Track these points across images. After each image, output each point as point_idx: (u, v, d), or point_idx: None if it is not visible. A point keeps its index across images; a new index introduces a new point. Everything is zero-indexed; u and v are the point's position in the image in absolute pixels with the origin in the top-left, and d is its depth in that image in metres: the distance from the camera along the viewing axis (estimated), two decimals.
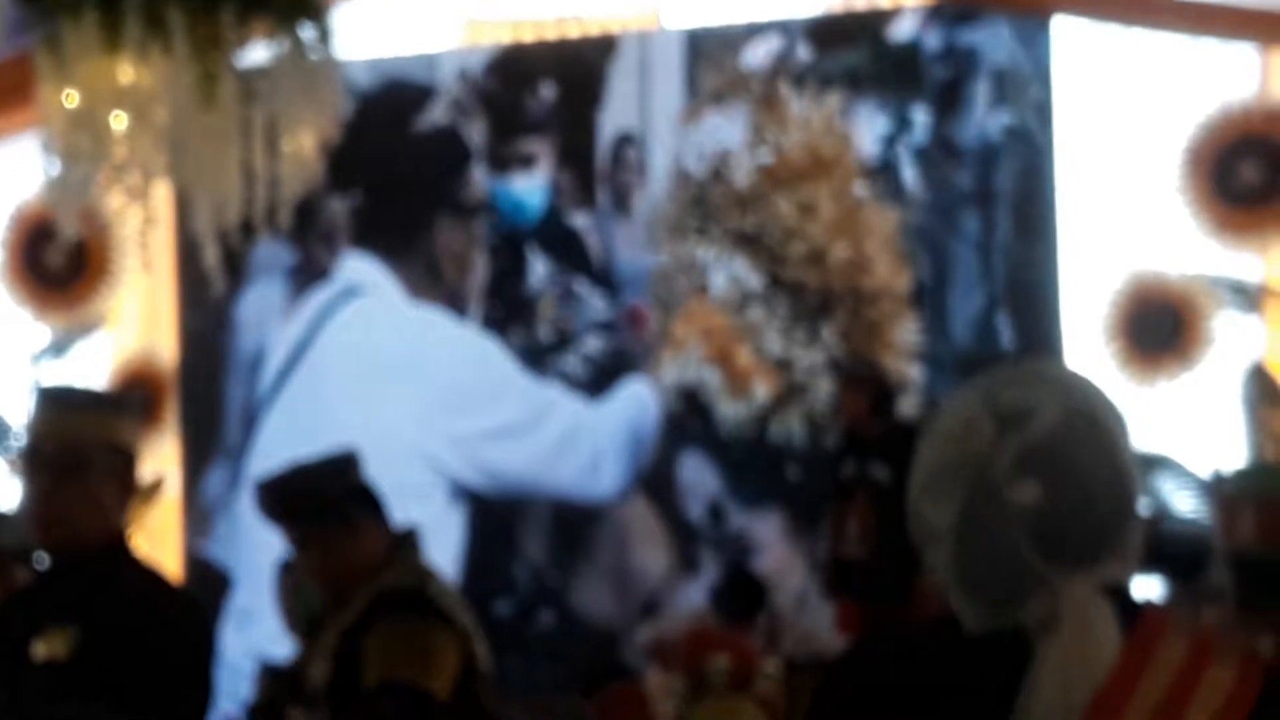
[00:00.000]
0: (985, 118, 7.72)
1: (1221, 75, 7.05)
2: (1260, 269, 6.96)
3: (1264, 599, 2.23)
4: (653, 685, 5.38)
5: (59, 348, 8.29)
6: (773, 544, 7.93)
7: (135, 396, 6.12)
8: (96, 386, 4.60)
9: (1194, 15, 6.74)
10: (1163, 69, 7.09)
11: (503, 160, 8.46)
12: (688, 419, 8.20)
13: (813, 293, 8.00)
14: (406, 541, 3.65)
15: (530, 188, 8.41)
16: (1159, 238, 7.07)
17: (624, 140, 8.29)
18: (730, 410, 8.10)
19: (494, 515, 8.27)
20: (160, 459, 8.39)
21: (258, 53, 4.35)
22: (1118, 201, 7.15)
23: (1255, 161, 6.82)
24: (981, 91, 7.73)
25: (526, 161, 8.43)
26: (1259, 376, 6.47)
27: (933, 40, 7.81)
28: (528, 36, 8.44)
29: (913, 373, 7.74)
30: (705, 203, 8.16)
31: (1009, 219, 7.69)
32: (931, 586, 6.07)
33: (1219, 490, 2.36)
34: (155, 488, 8.13)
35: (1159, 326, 6.94)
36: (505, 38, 8.47)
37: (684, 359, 8.16)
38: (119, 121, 4.27)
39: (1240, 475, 2.42)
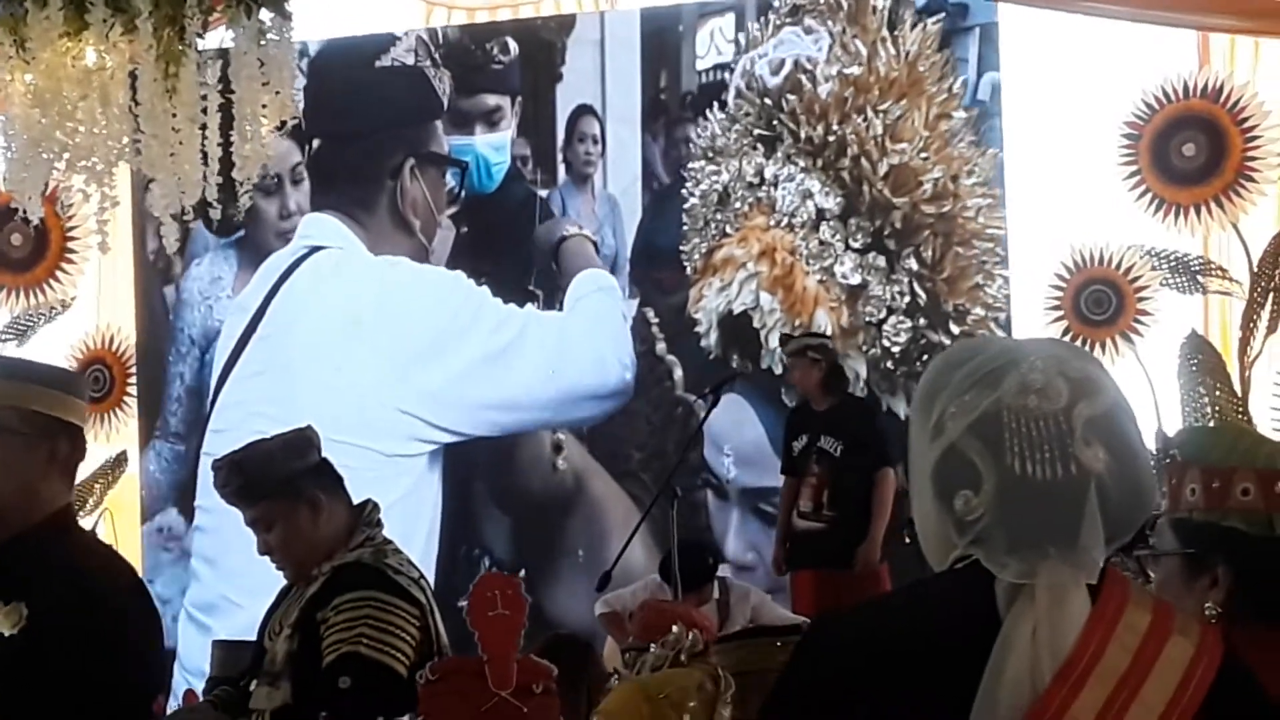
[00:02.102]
0: (976, 75, 7.45)
1: (1162, 54, 7.13)
2: (1199, 244, 7.05)
3: (1205, 558, 2.27)
4: (606, 655, 5.47)
5: (20, 329, 8.28)
6: None
7: (68, 369, 6.08)
8: (29, 359, 4.55)
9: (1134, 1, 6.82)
10: (1104, 48, 7.16)
11: (465, 117, 8.29)
12: (729, 351, 7.69)
13: (897, 215, 7.36)
14: (366, 516, 3.67)
15: (495, 143, 8.27)
16: (1101, 214, 7.14)
17: (582, 114, 8.21)
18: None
19: (459, 510, 8.13)
20: (123, 439, 8.43)
21: (217, 36, 4.41)
22: (1061, 178, 7.21)
23: (1194, 139, 6.92)
24: (972, 49, 7.45)
25: (489, 119, 8.28)
26: (1197, 348, 6.60)
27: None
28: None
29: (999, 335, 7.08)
30: (777, 114, 7.61)
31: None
32: (874, 555, 6.09)
33: (1164, 453, 2.42)
34: (118, 465, 8.18)
35: (1100, 300, 7.02)
36: (462, 20, 8.48)
37: (734, 284, 7.60)
38: (81, 104, 4.32)
39: (1185, 439, 2.48)
